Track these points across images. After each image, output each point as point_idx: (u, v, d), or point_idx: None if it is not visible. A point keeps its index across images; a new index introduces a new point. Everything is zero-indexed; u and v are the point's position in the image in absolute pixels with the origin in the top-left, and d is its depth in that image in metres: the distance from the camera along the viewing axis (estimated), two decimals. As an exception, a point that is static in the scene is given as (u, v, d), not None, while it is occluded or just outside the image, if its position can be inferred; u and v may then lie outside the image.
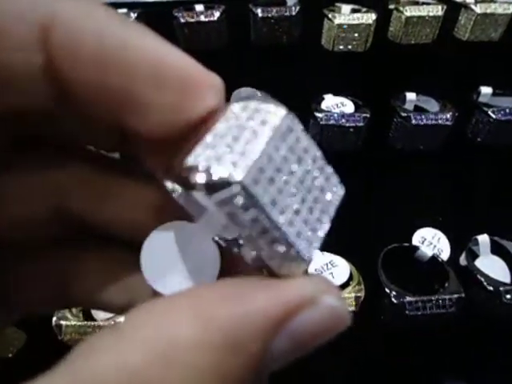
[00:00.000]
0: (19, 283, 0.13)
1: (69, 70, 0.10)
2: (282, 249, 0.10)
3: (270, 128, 0.10)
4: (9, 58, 0.09)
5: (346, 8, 0.51)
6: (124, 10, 0.50)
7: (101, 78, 0.10)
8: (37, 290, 0.13)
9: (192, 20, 0.49)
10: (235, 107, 0.10)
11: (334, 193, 0.11)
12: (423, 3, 0.52)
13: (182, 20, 0.49)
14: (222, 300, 0.09)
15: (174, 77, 0.10)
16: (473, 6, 0.50)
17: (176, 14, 0.49)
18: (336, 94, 0.46)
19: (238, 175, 0.09)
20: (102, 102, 0.10)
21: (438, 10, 0.49)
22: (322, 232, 0.10)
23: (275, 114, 0.10)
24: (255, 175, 0.09)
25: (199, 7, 0.52)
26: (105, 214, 0.12)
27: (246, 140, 0.10)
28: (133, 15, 0.49)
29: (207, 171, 0.09)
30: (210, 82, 0.10)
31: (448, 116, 0.42)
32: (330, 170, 0.11)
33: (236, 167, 0.09)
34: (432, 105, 0.47)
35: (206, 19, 0.49)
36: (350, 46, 0.50)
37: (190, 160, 0.09)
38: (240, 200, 0.09)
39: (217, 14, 0.49)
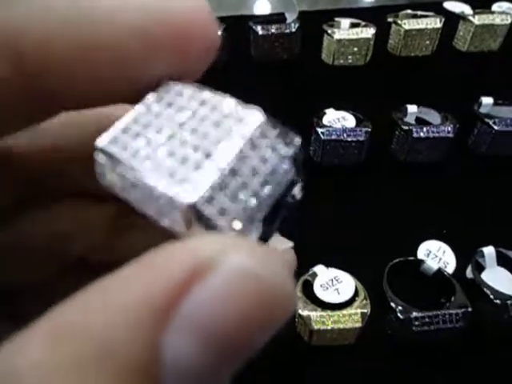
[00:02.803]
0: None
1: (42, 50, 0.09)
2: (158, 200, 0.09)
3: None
4: None
5: (345, 22, 0.52)
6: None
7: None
8: None
9: (193, 39, 0.49)
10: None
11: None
12: (421, 16, 0.52)
13: (184, 39, 0.49)
14: (81, 306, 0.06)
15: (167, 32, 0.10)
16: (471, 18, 0.50)
17: (177, 34, 0.50)
18: (337, 108, 0.46)
19: (101, 141, 0.10)
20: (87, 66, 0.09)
21: (436, 23, 0.50)
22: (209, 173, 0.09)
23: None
24: (115, 137, 0.10)
25: (200, 26, 0.52)
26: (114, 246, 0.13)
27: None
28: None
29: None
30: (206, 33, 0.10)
31: (449, 128, 0.42)
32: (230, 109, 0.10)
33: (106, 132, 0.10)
34: (434, 116, 0.47)
35: (207, 38, 0.50)
36: (350, 60, 0.50)
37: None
38: (105, 162, 0.10)
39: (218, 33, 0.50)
